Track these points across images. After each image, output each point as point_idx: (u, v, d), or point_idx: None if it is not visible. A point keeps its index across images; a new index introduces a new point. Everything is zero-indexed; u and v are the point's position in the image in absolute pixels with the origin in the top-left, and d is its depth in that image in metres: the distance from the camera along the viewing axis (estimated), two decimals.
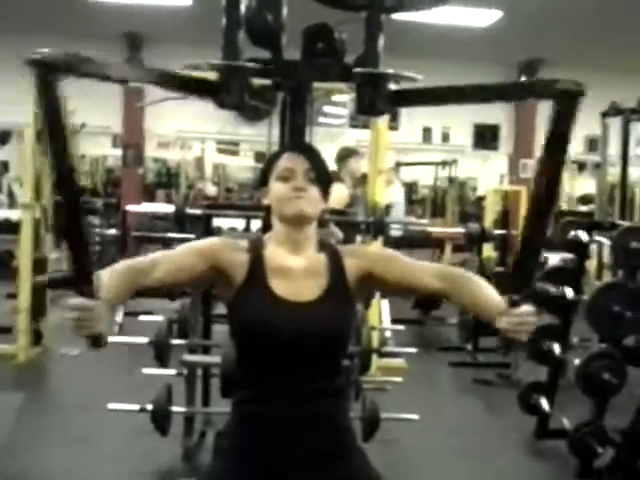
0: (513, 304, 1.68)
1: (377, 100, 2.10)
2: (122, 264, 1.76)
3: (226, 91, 2.03)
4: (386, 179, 9.09)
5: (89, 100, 8.01)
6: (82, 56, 1.61)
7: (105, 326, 1.59)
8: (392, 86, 2.13)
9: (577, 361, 4.09)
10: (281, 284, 1.79)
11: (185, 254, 1.81)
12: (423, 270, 1.86)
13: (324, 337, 1.78)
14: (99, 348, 1.61)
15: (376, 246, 5.03)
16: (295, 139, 2.20)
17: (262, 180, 1.89)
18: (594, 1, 8.08)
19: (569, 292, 4.37)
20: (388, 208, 8.39)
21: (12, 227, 8.26)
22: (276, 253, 1.83)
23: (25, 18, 9.65)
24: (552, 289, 4.41)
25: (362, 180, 6.35)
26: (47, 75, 1.50)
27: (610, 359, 4.02)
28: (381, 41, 2.13)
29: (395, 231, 8.21)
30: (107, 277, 1.67)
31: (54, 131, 1.52)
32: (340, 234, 4.73)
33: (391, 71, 2.09)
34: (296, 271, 1.81)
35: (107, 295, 1.62)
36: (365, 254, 1.91)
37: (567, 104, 1.62)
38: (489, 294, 1.77)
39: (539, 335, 4.46)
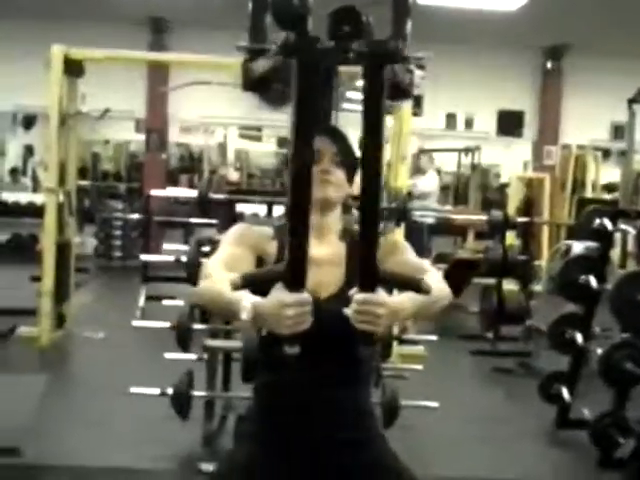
0: (359, 291, 1.52)
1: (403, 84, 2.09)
2: (216, 265, 1.72)
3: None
4: (422, 167, 9.09)
5: (113, 85, 8.06)
6: None
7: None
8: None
9: (599, 351, 4.06)
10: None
11: (239, 250, 1.79)
12: (413, 271, 1.76)
13: (344, 328, 1.77)
14: (295, 346, 1.54)
15: (398, 233, 5.02)
16: (322, 123, 2.19)
17: (288, 162, 1.87)
18: None
19: (593, 281, 4.33)
20: (420, 197, 8.38)
21: (36, 211, 8.33)
22: None
23: (49, 4, 9.68)
24: (576, 277, 4.38)
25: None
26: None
27: (633, 349, 3.99)
28: (409, 25, 2.12)
29: (427, 219, 8.19)
30: (218, 274, 1.65)
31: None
32: None
33: (418, 54, 2.07)
34: (318, 260, 1.79)
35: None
36: (381, 244, 1.88)
37: (371, 67, 1.50)
38: (414, 296, 1.61)
39: (561, 324, 4.43)
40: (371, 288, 1.50)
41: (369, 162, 1.48)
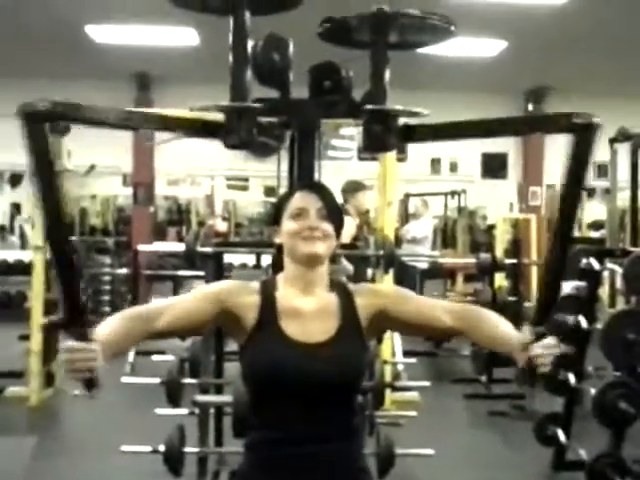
0: (538, 336, 1.70)
1: (385, 136, 2.11)
2: (129, 310, 1.77)
3: (234, 131, 2.04)
4: (416, 212, 9.14)
5: (99, 140, 8.07)
6: (72, 104, 1.65)
7: (98, 368, 1.58)
8: (401, 121, 2.14)
9: (593, 391, 4.05)
10: (293, 326, 1.78)
11: (193, 300, 1.81)
12: (437, 308, 1.86)
13: (338, 378, 1.76)
14: (92, 390, 1.60)
15: (388, 281, 5.02)
16: (305, 176, 2.22)
17: (274, 219, 1.89)
18: (599, 28, 8.12)
19: (583, 321, 4.33)
20: (412, 241, 8.40)
21: (24, 268, 8.30)
22: (287, 294, 1.82)
23: (33, 60, 9.77)
24: (565, 318, 4.38)
25: (366, 215, 6.36)
26: (37, 125, 1.55)
27: (626, 388, 3.97)
28: (387, 76, 2.14)
29: (421, 263, 8.20)
30: (111, 323, 1.67)
31: (44, 179, 1.57)
32: (351, 268, 4.72)
33: (398, 107, 2.10)
34: (308, 312, 1.80)
35: (106, 339, 1.61)
36: (378, 292, 1.91)
37: (584, 137, 1.69)
38: (505, 328, 1.80)
39: (554, 365, 4.42)
40: (550, 333, 1.71)
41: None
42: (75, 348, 1.56)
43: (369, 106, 2.09)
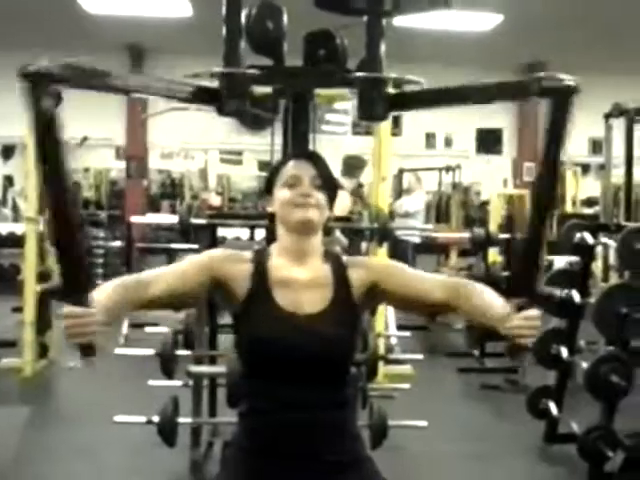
0: (519, 309, 1.65)
1: (377, 104, 2.10)
2: (122, 278, 1.76)
3: (228, 98, 2.02)
4: (410, 187, 9.12)
5: (92, 112, 8.06)
6: (76, 66, 1.63)
7: (97, 335, 1.57)
8: (390, 90, 2.13)
9: (585, 364, 4.07)
10: (285, 296, 1.78)
11: (185, 268, 1.80)
12: (428, 281, 1.85)
13: (329, 349, 1.76)
14: (91, 357, 1.59)
15: (381, 254, 5.02)
16: (299, 147, 2.20)
17: (267, 188, 1.88)
18: (595, 3, 8.08)
19: (575, 295, 4.35)
20: (405, 216, 8.39)
21: (17, 241, 8.26)
22: (280, 264, 1.81)
23: (26, 32, 9.70)
24: (558, 292, 4.39)
25: (360, 189, 6.35)
26: (40, 87, 1.51)
27: (618, 362, 3.99)
28: (383, 46, 2.13)
29: (414, 238, 8.20)
30: (105, 290, 1.67)
31: (47, 145, 1.54)
32: (345, 241, 4.72)
33: (391, 75, 2.09)
34: (301, 282, 1.80)
35: (102, 306, 1.60)
36: (370, 266, 1.89)
37: (559, 101, 1.63)
38: (495, 303, 1.74)
39: (546, 339, 4.44)
40: (532, 305, 1.65)
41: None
42: (75, 314, 1.54)
43: (360, 73, 2.09)
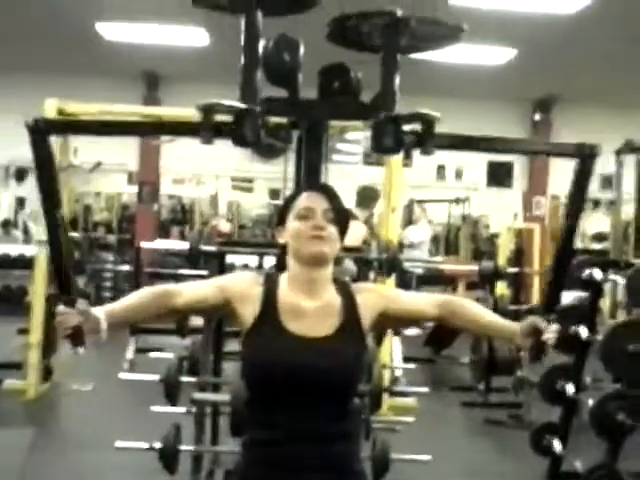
0: (548, 322, 1.87)
1: (395, 139, 2.12)
2: (157, 286, 1.89)
3: (242, 131, 2.05)
4: (414, 217, 9.14)
5: (105, 138, 8.13)
6: (73, 120, 1.91)
7: (87, 325, 1.69)
8: (409, 127, 2.15)
9: (591, 401, 4.04)
10: (293, 322, 1.79)
11: (208, 286, 1.87)
12: (422, 301, 1.95)
13: (335, 374, 1.77)
14: (79, 347, 1.76)
15: (389, 284, 5.02)
16: (311, 177, 2.23)
17: (279, 219, 1.90)
18: (609, 38, 8.12)
19: (583, 331, 4.32)
20: (411, 246, 8.40)
21: (26, 263, 8.31)
22: (290, 293, 1.83)
23: (45, 57, 9.81)
24: (566, 328, 4.37)
25: (369, 219, 6.37)
26: (43, 138, 1.84)
27: (624, 399, 3.96)
28: (397, 80, 2.15)
29: (416, 269, 8.20)
30: (131, 294, 1.81)
31: (46, 182, 1.92)
32: (354, 269, 4.72)
33: (412, 111, 2.11)
34: (309, 311, 1.81)
35: (112, 308, 1.76)
36: (378, 293, 1.93)
37: (587, 163, 2.02)
38: (495, 316, 1.94)
39: (552, 375, 4.41)
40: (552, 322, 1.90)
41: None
42: (64, 311, 1.70)
43: (384, 109, 2.11)
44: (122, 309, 1.77)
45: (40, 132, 1.80)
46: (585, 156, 2.00)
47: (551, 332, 1.84)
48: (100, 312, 1.71)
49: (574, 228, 2.05)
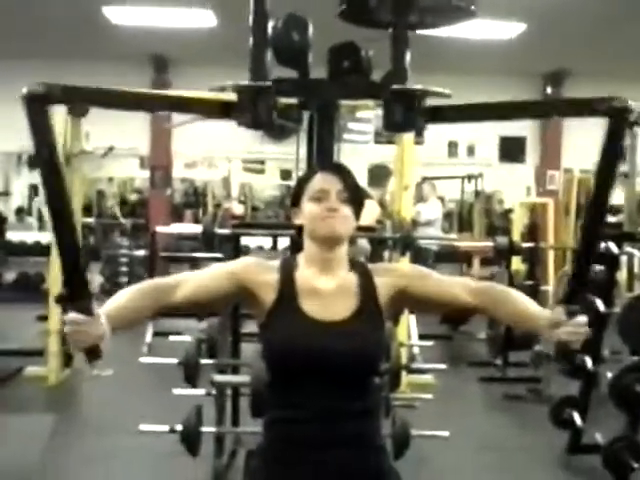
0: (570, 314, 1.70)
1: (408, 116, 2.10)
2: (147, 282, 1.79)
3: (253, 111, 2.04)
4: (424, 195, 9.12)
5: (117, 123, 8.12)
6: (75, 87, 1.69)
7: (101, 340, 1.59)
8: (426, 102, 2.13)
9: (609, 374, 4.04)
10: (312, 305, 1.79)
11: (212, 275, 1.83)
12: (458, 285, 1.87)
13: (355, 356, 1.77)
14: (96, 361, 1.62)
15: (405, 262, 5.02)
16: (323, 158, 2.21)
17: (294, 200, 1.89)
18: (619, 10, 8.03)
19: (600, 305, 4.32)
20: (425, 224, 8.39)
21: (42, 250, 8.36)
22: (307, 274, 1.83)
23: (52, 41, 9.79)
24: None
25: (382, 198, 6.38)
26: (40, 108, 1.60)
27: None
28: (408, 57, 2.14)
29: (430, 246, 8.18)
30: (118, 298, 1.69)
31: (47, 160, 1.61)
32: (368, 247, 4.72)
33: (424, 87, 2.09)
34: (327, 292, 1.81)
35: (113, 311, 1.64)
36: (398, 272, 1.91)
37: (619, 120, 1.70)
38: (530, 306, 1.80)
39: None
40: (582, 312, 1.71)
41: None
42: (77, 321, 1.56)
43: (395, 86, 2.08)
44: (118, 315, 1.65)
45: (37, 100, 1.60)
46: (620, 112, 1.70)
47: (575, 332, 1.69)
48: (103, 317, 1.60)
49: (604, 200, 1.72)
